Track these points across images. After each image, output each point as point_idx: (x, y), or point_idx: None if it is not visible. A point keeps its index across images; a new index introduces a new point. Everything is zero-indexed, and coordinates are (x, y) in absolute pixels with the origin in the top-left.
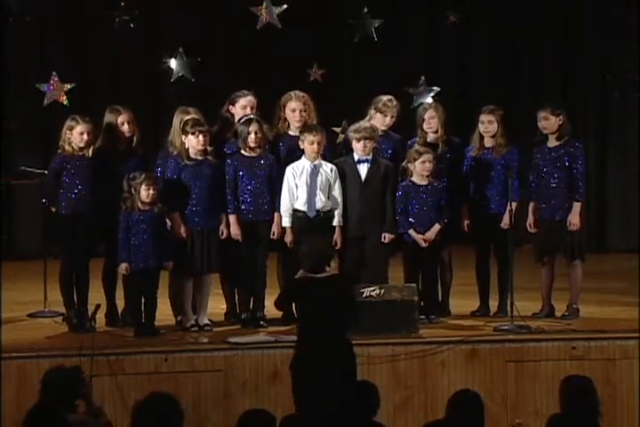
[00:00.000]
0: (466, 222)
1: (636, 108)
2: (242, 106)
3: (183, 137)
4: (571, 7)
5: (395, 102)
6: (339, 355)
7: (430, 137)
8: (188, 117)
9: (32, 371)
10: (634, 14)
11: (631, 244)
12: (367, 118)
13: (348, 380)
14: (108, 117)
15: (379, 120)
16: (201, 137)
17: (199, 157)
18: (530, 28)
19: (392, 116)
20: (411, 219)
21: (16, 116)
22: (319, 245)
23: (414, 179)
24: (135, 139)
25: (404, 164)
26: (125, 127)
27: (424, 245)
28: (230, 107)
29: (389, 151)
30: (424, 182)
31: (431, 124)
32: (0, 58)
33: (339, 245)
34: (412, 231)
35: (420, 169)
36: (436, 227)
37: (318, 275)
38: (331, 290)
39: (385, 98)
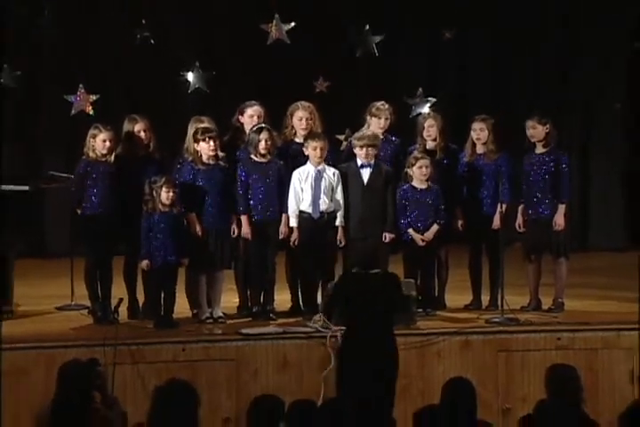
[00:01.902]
0: (460, 223)
1: (617, 117)
2: (249, 115)
3: (195, 144)
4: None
5: (387, 106)
6: (383, 346)
7: (429, 144)
8: (201, 126)
9: (60, 360)
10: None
11: (611, 243)
12: (366, 126)
13: (391, 370)
14: (127, 126)
15: (375, 124)
16: (211, 142)
17: (211, 162)
18: (522, 43)
19: (386, 119)
20: (410, 220)
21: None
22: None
23: (414, 183)
24: (152, 145)
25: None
26: (142, 134)
27: (422, 244)
28: (239, 116)
29: (389, 154)
30: (423, 186)
31: (430, 132)
32: (33, 72)
33: (342, 244)
34: (411, 231)
35: (417, 174)
36: (434, 227)
37: (370, 271)
38: (380, 285)
39: (378, 103)
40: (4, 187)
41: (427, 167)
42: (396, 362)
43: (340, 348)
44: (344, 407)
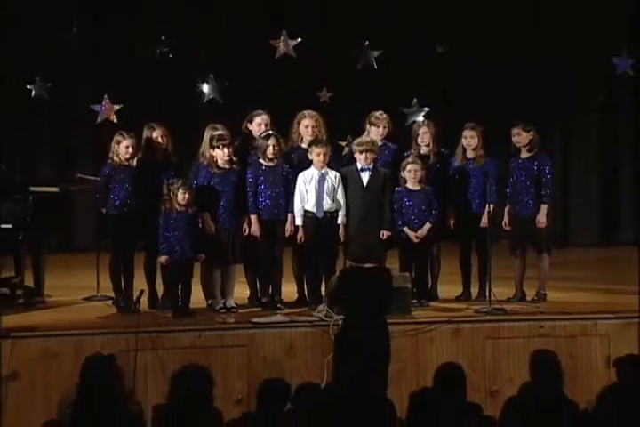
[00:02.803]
0: (451, 222)
1: (595, 124)
2: (258, 123)
3: (211, 150)
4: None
5: (385, 115)
6: (377, 332)
7: (423, 149)
8: (214, 133)
9: (87, 346)
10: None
11: (588, 239)
12: (366, 133)
13: (384, 353)
14: (146, 133)
15: (374, 132)
16: (225, 150)
17: (226, 166)
18: (507, 58)
19: (384, 127)
20: (405, 219)
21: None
22: (367, 241)
23: (408, 185)
24: (169, 150)
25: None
26: (160, 140)
27: (416, 240)
28: (248, 124)
29: (387, 158)
30: (417, 188)
31: (424, 138)
32: (62, 83)
33: (342, 240)
34: (406, 229)
35: (408, 177)
36: (427, 225)
37: (365, 265)
38: (374, 278)
39: (376, 113)
40: (37, 189)
41: (416, 171)
42: (388, 347)
43: (338, 335)
44: (340, 390)
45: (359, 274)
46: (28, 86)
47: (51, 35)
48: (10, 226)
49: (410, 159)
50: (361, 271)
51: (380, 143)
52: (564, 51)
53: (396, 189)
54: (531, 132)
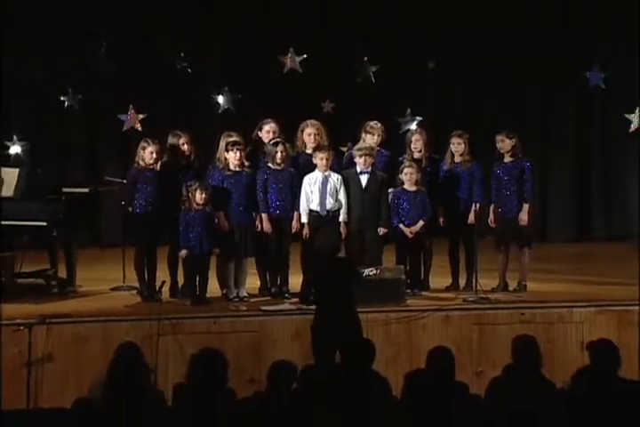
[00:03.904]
0: (441, 219)
1: (572, 132)
2: (267, 131)
3: (225, 154)
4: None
5: (379, 125)
6: (347, 319)
7: (416, 155)
8: (230, 139)
9: (114, 331)
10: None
11: (565, 236)
12: (361, 140)
13: (356, 337)
14: (171, 140)
15: (369, 139)
16: (238, 153)
17: (238, 169)
18: (492, 72)
19: (378, 135)
20: (401, 216)
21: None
22: (331, 237)
23: (405, 186)
24: (192, 155)
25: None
26: (185, 147)
27: (410, 236)
28: (258, 132)
29: (381, 164)
30: (412, 189)
31: (417, 144)
32: (92, 95)
33: (343, 236)
34: (401, 226)
35: (405, 179)
36: (421, 223)
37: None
38: (339, 269)
39: (371, 122)
40: (69, 190)
41: (412, 174)
42: (358, 326)
43: (313, 326)
44: (319, 372)
45: (326, 266)
46: (62, 98)
47: (82, 52)
48: (45, 223)
49: (407, 163)
50: (326, 264)
51: (376, 148)
52: (542, 67)
53: (394, 189)
54: (513, 139)
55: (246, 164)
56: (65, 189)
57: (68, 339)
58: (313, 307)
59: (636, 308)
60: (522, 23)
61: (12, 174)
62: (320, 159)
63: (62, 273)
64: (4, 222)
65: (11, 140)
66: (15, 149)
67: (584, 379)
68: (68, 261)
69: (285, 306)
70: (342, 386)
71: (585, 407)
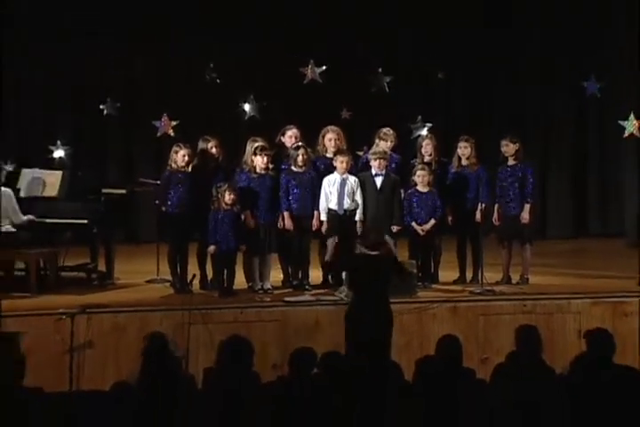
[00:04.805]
0: (450, 218)
1: (569, 139)
2: (289, 136)
3: (252, 157)
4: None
5: (391, 131)
6: (380, 310)
7: (426, 158)
8: (257, 144)
9: (149, 320)
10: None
11: (563, 232)
12: (375, 145)
13: (388, 328)
14: (201, 144)
15: (382, 145)
16: (265, 158)
17: (263, 172)
18: (497, 81)
19: (391, 141)
20: (414, 215)
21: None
22: (379, 233)
23: (418, 187)
24: (221, 158)
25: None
26: (214, 151)
27: (422, 233)
28: (281, 137)
29: (394, 167)
30: (424, 190)
31: (427, 149)
32: (129, 103)
33: (359, 234)
34: (414, 224)
35: (417, 180)
36: (431, 221)
37: (372, 252)
38: (379, 264)
39: (384, 129)
40: (107, 190)
41: (424, 176)
42: (390, 322)
43: (347, 314)
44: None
45: (365, 260)
46: (101, 106)
47: (120, 64)
48: (86, 221)
49: (419, 166)
50: (366, 258)
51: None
52: (542, 77)
53: (408, 190)
54: (516, 144)
55: (270, 167)
56: (104, 190)
57: (106, 327)
58: (331, 298)
59: (629, 299)
60: (524, 40)
61: (56, 176)
62: (340, 162)
63: (102, 267)
64: (48, 220)
65: (55, 144)
66: (59, 153)
67: (582, 365)
68: (107, 255)
69: (306, 297)
70: (362, 371)
71: (582, 391)
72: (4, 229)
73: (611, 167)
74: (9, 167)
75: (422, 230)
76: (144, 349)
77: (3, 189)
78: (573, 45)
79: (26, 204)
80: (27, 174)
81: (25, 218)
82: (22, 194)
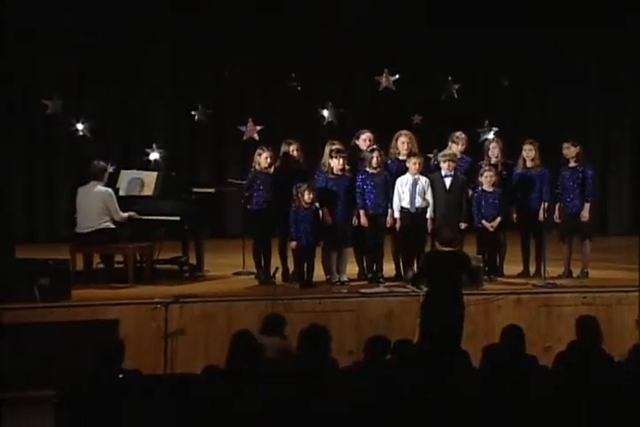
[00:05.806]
0: (515, 216)
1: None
2: (363, 139)
3: (330, 160)
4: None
5: (463, 135)
6: (454, 302)
7: (493, 160)
8: (333, 147)
9: (235, 309)
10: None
11: (622, 229)
12: (448, 148)
13: (460, 319)
14: (284, 147)
15: (454, 148)
16: (341, 160)
17: (339, 173)
18: (557, 89)
19: (462, 144)
20: (482, 213)
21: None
22: (452, 231)
23: (484, 187)
24: (301, 160)
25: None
26: (295, 153)
27: (491, 230)
28: (356, 140)
29: (463, 168)
30: (490, 189)
31: (494, 151)
32: (218, 109)
33: (429, 230)
34: (483, 221)
35: (484, 181)
36: (498, 219)
37: (447, 249)
38: (454, 259)
39: (457, 133)
40: (198, 190)
41: (490, 177)
42: (462, 313)
43: (423, 304)
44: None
45: (441, 256)
46: (193, 112)
47: (209, 74)
48: (179, 218)
49: (486, 168)
50: (442, 253)
51: (458, 156)
52: (599, 79)
53: (476, 190)
54: (578, 147)
55: (347, 168)
56: (195, 190)
57: (197, 315)
58: (403, 290)
59: None
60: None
61: (151, 177)
62: (413, 164)
63: (192, 260)
64: (144, 217)
65: (151, 147)
66: (154, 156)
67: (638, 353)
68: (198, 249)
69: (380, 289)
70: (429, 358)
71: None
72: (103, 225)
73: None
74: (110, 169)
75: (492, 227)
76: (230, 346)
77: (105, 188)
78: (635, 47)
79: (124, 202)
80: (126, 175)
81: (126, 215)
82: (121, 193)
